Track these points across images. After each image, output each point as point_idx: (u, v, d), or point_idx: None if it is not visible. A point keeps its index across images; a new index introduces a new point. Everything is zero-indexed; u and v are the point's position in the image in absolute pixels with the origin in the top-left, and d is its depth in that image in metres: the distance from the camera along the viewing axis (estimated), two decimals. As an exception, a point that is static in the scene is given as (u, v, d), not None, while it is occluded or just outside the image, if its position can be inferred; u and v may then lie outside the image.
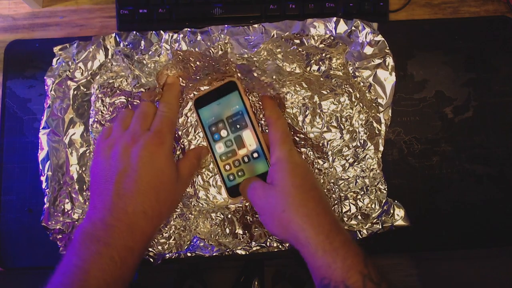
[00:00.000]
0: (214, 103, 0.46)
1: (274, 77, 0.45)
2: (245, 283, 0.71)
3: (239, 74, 0.47)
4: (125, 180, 0.39)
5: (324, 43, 0.48)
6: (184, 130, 0.49)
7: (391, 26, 0.51)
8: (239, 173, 0.46)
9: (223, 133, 0.46)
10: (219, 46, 0.46)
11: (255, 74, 0.45)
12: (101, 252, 0.35)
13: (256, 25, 0.48)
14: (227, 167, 0.46)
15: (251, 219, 0.47)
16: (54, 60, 0.49)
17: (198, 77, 0.48)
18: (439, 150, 0.51)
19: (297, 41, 0.47)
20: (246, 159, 0.46)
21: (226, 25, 0.48)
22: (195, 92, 0.49)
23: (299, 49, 0.47)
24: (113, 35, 0.49)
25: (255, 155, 0.45)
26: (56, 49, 0.49)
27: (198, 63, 0.47)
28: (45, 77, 0.48)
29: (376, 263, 0.35)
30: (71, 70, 0.49)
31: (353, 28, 0.48)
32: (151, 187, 0.38)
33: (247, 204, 0.48)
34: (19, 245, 0.49)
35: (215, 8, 0.52)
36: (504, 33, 0.53)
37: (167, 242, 0.47)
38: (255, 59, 0.46)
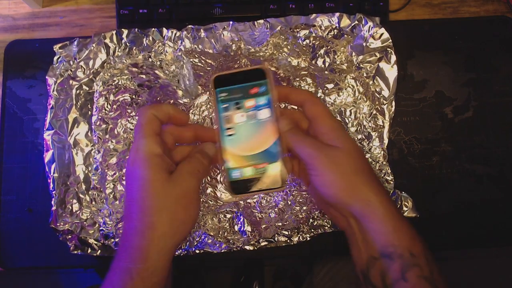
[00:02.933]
0: (237, 86, 0.39)
1: (288, 70, 0.46)
2: (245, 283, 0.71)
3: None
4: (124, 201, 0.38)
5: (331, 33, 0.49)
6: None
7: (391, 26, 0.51)
8: (247, 169, 0.39)
9: (239, 120, 0.39)
10: (233, 45, 0.47)
11: (272, 69, 0.46)
12: (109, 277, 0.34)
13: (260, 21, 0.49)
14: (235, 159, 0.40)
15: (260, 216, 0.47)
16: (55, 58, 0.49)
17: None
18: (439, 150, 0.51)
19: (305, 32, 0.49)
20: (259, 154, 0.39)
21: (231, 22, 0.48)
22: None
23: (306, 41, 0.49)
24: (114, 32, 0.49)
25: (272, 150, 0.39)
26: (56, 47, 0.49)
27: (210, 61, 0.47)
28: (46, 77, 0.48)
29: None
30: (72, 69, 0.49)
31: (356, 22, 0.49)
32: (135, 199, 0.35)
33: (255, 200, 0.48)
34: (19, 245, 0.49)
35: (215, 8, 0.52)
36: (504, 33, 0.53)
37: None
38: (261, 54, 0.47)
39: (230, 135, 0.39)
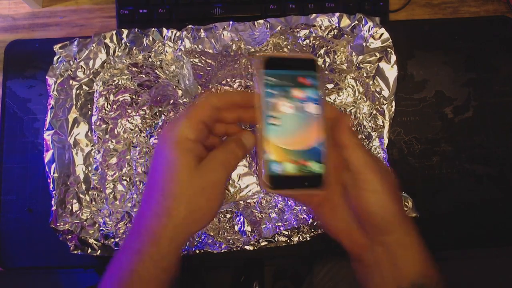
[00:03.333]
0: (288, 72, 0.36)
1: None
2: (245, 283, 0.71)
3: (250, 70, 0.47)
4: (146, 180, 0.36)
5: (331, 33, 0.49)
6: None
7: (391, 26, 0.51)
8: (289, 165, 0.35)
9: (286, 110, 0.35)
10: (233, 45, 0.47)
11: None
12: (118, 257, 0.34)
13: (261, 21, 0.49)
14: (277, 152, 0.35)
15: (260, 216, 0.47)
16: (55, 58, 0.49)
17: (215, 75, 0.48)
18: (439, 150, 0.51)
19: (305, 32, 0.49)
20: (304, 151, 0.36)
21: (231, 22, 0.48)
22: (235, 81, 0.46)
23: (306, 41, 0.49)
24: (114, 32, 0.49)
25: (317, 149, 0.36)
26: (56, 47, 0.49)
27: (210, 61, 0.47)
28: (46, 77, 0.48)
29: None
30: (72, 69, 0.49)
31: (356, 22, 0.49)
32: (157, 180, 0.34)
33: (255, 200, 0.48)
34: (19, 245, 0.49)
35: (215, 8, 0.52)
36: (504, 33, 0.53)
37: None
38: (261, 53, 0.47)
39: (274, 124, 0.35)
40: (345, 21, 0.49)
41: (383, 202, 0.33)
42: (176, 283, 0.67)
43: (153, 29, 0.49)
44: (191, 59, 0.48)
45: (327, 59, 0.49)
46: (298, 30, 0.49)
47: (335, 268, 0.56)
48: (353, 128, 0.36)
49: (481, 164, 0.50)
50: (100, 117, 0.48)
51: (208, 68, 0.48)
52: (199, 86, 0.49)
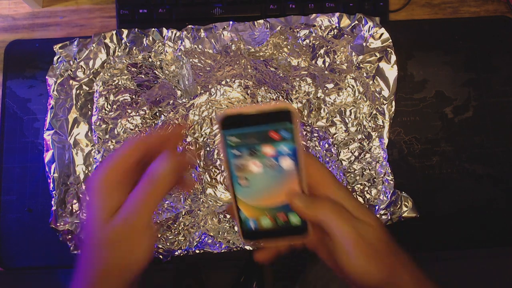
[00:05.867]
0: (252, 128, 0.31)
1: (288, 70, 0.47)
2: (244, 283, 0.71)
3: (249, 70, 0.48)
4: None
5: (331, 33, 0.49)
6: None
7: (391, 26, 0.51)
8: (265, 220, 0.34)
9: (255, 170, 0.32)
10: (232, 45, 0.47)
11: (272, 69, 0.47)
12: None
13: (261, 21, 0.49)
14: (250, 210, 0.34)
15: None
16: (55, 58, 0.49)
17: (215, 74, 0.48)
18: (439, 150, 0.51)
19: (305, 31, 0.49)
20: (279, 207, 0.33)
21: (231, 22, 0.48)
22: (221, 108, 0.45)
23: (306, 41, 0.49)
24: (114, 32, 0.49)
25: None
26: (56, 47, 0.49)
27: (209, 61, 0.48)
28: (46, 77, 0.49)
29: None
30: (72, 69, 0.49)
31: (356, 22, 0.49)
32: (82, 227, 0.34)
33: None
34: (19, 245, 0.49)
35: (215, 8, 0.52)
36: (504, 33, 0.53)
37: (176, 238, 0.47)
38: (261, 54, 0.47)
39: (244, 186, 0.33)
40: (345, 21, 0.49)
41: (363, 270, 0.31)
42: (176, 284, 0.67)
43: (153, 29, 0.49)
44: (191, 59, 0.48)
45: (327, 59, 0.49)
46: (298, 30, 0.49)
47: (327, 266, 0.56)
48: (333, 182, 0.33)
49: (481, 164, 0.50)
50: (100, 117, 0.48)
51: (207, 69, 0.48)
52: (198, 87, 0.49)
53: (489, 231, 0.49)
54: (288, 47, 0.49)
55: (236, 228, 0.47)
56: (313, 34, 0.49)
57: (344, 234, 0.30)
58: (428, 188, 0.50)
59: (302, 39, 0.49)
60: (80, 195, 0.47)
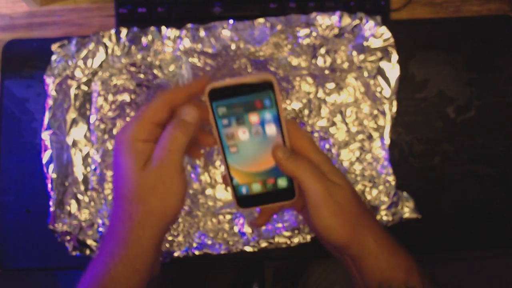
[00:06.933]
0: (237, 99, 0.34)
1: (287, 70, 0.47)
2: (245, 284, 0.71)
3: (249, 70, 0.47)
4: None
5: (331, 33, 0.48)
6: None
7: (392, 25, 0.51)
8: (255, 185, 0.37)
9: (243, 137, 0.35)
10: (232, 44, 0.47)
11: (272, 68, 0.46)
12: (94, 260, 0.34)
13: (261, 20, 0.48)
14: (242, 176, 0.37)
15: None
16: (53, 58, 0.49)
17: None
18: (441, 150, 0.50)
19: (305, 32, 0.48)
20: (267, 171, 0.37)
21: (230, 21, 0.48)
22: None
23: (307, 40, 0.48)
24: (113, 31, 0.49)
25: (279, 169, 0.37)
26: (54, 46, 0.49)
27: (209, 61, 0.48)
28: (44, 76, 0.48)
29: None
30: (71, 69, 0.48)
31: (357, 21, 0.48)
32: (115, 186, 0.34)
33: None
34: (18, 246, 0.49)
35: (215, 7, 0.52)
36: (506, 32, 0.52)
37: (175, 239, 0.47)
38: (261, 53, 0.47)
39: (234, 152, 0.36)
40: (346, 20, 0.49)
41: (329, 225, 0.34)
42: (176, 286, 0.66)
43: (152, 28, 0.49)
44: (190, 59, 0.48)
45: (328, 59, 0.49)
46: (298, 29, 0.48)
47: (330, 269, 0.56)
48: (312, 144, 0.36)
49: (483, 164, 0.50)
50: (98, 117, 0.48)
51: (207, 68, 0.48)
52: None
53: (491, 232, 0.49)
54: (288, 46, 0.49)
55: (235, 229, 0.47)
56: (314, 34, 0.49)
57: (316, 190, 0.33)
58: (429, 189, 0.50)
59: (303, 38, 0.49)
60: (79, 196, 0.47)
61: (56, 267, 0.49)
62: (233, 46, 0.48)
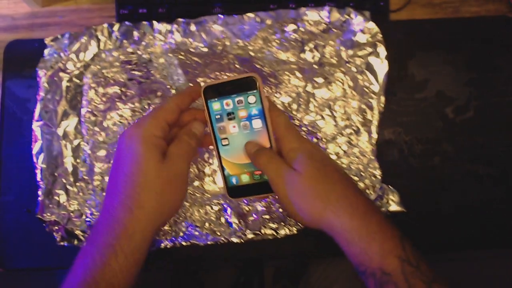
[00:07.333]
0: (228, 96, 0.40)
1: (273, 66, 0.48)
2: (244, 284, 0.70)
3: (237, 65, 0.48)
4: (109, 172, 0.38)
5: (319, 28, 0.49)
6: None
7: (391, 26, 0.51)
8: (244, 176, 0.42)
9: (233, 131, 0.41)
10: (219, 42, 0.48)
11: (257, 66, 0.47)
12: (86, 250, 0.34)
13: (251, 14, 0.49)
14: (232, 168, 0.42)
15: (247, 209, 0.47)
16: (46, 51, 0.49)
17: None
18: (440, 150, 0.50)
19: (293, 27, 0.49)
20: (253, 165, 0.42)
21: (220, 15, 0.49)
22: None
23: (295, 35, 0.49)
24: (105, 25, 0.49)
25: None
26: (47, 40, 0.49)
27: (196, 59, 0.48)
28: (36, 68, 0.49)
29: (410, 242, 0.34)
30: (63, 62, 0.49)
31: (346, 16, 0.49)
32: (125, 172, 0.35)
33: None
34: (18, 245, 0.49)
35: (214, 7, 0.52)
36: (505, 32, 0.53)
37: (162, 228, 0.47)
38: (250, 48, 0.48)
39: (225, 145, 0.41)
40: (335, 15, 0.49)
41: (295, 213, 0.37)
42: (176, 286, 0.66)
43: (143, 22, 0.49)
44: (178, 56, 0.49)
45: (316, 54, 0.49)
46: (287, 24, 0.49)
47: (330, 267, 0.56)
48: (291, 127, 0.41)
49: (482, 164, 0.50)
50: (89, 110, 0.48)
51: (194, 65, 0.49)
52: (190, 84, 0.49)
53: (490, 232, 0.49)
54: (277, 41, 0.49)
55: (222, 220, 0.47)
56: (302, 29, 0.49)
57: (277, 183, 0.38)
58: (429, 189, 0.50)
59: (291, 33, 0.49)
60: (68, 187, 0.47)
61: (56, 267, 0.49)
62: (220, 45, 0.49)
